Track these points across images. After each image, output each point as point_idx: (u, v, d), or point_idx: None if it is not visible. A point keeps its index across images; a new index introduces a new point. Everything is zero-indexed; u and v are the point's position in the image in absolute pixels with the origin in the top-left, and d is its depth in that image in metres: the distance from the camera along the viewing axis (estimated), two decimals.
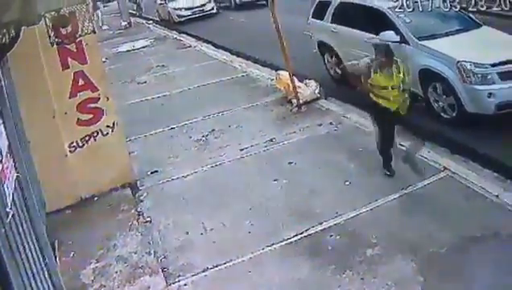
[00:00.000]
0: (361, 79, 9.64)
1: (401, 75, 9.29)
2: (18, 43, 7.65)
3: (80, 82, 10.51)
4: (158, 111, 16.09)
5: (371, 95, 9.62)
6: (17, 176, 6.62)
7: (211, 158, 12.01)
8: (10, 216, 5.71)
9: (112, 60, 25.23)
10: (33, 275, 6.31)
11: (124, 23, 39.03)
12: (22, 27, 7.67)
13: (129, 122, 13.29)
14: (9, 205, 5.75)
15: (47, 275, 6.97)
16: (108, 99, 10.80)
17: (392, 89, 9.29)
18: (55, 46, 10.12)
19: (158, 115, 15.57)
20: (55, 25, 9.96)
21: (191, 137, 13.50)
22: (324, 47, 16.43)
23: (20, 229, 6.30)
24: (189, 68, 21.52)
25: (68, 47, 10.27)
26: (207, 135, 13.39)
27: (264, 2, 30.74)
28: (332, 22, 15.74)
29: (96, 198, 10.74)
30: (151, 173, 11.68)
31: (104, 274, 8.31)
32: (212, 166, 11.63)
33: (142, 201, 10.57)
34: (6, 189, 5.78)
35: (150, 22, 40.27)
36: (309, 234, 8.57)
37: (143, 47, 28.66)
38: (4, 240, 5.37)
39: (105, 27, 38.89)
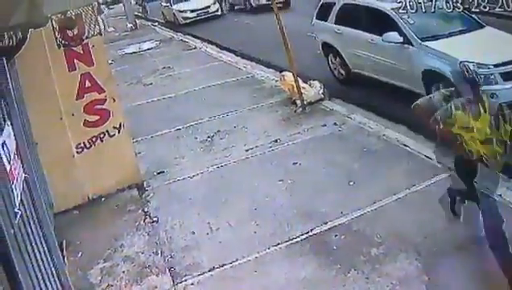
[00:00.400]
0: (436, 118, 7.15)
1: (487, 115, 7.00)
2: (26, 45, 7.75)
3: (87, 84, 10.59)
4: (164, 112, 16.16)
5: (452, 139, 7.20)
6: (25, 177, 6.68)
7: (216, 158, 12.08)
8: (18, 216, 5.77)
9: (118, 61, 25.33)
10: (41, 275, 6.37)
11: (130, 25, 39.12)
12: (30, 30, 7.76)
13: (135, 123, 13.41)
14: (17, 205, 5.81)
15: (55, 275, 7.03)
16: (114, 100, 10.88)
17: (478, 131, 6.95)
18: (61, 48, 10.22)
19: (165, 116, 15.64)
20: (61, 27, 10.06)
21: (196, 138, 13.57)
22: (327, 48, 16.47)
23: (28, 229, 6.36)
24: (194, 69, 21.60)
25: (74, 49, 10.37)
26: (212, 136, 13.47)
27: (280, 6, 30.69)
28: (335, 24, 15.78)
29: (103, 199, 10.84)
30: (158, 174, 11.77)
31: (111, 274, 8.40)
32: (217, 166, 11.70)
33: (148, 202, 10.65)
34: (14, 190, 5.84)
35: (156, 24, 40.40)
36: (314, 234, 8.61)
37: (149, 49, 28.73)
38: (13, 240, 5.43)
39: (110, 29, 38.99)
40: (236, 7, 38.97)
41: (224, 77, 19.15)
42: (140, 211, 10.24)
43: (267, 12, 28.44)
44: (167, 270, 8.32)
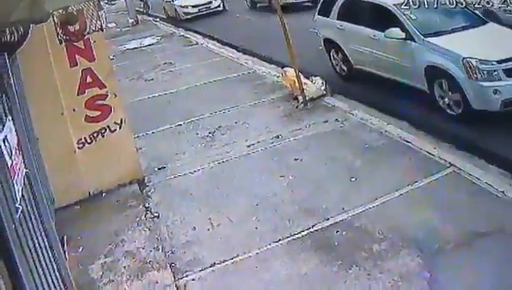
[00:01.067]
0: None
1: None
2: (27, 40, 7.74)
3: (88, 79, 10.59)
4: (165, 108, 16.17)
5: None
6: (26, 172, 6.67)
7: (218, 154, 12.08)
8: (19, 211, 5.76)
9: (119, 57, 25.34)
10: (42, 270, 6.36)
11: (131, 21, 39.13)
12: (31, 25, 7.75)
13: (136, 118, 13.35)
14: (18, 200, 5.80)
15: (56, 270, 7.01)
16: (115, 96, 10.87)
17: None
18: (63, 43, 10.21)
19: (166, 112, 15.65)
20: (63, 23, 10.04)
21: (198, 133, 13.57)
22: (330, 44, 16.41)
23: (29, 224, 6.35)
24: (196, 65, 21.59)
25: (75, 44, 10.37)
26: (214, 132, 13.46)
27: (310, 4, 30.06)
28: (337, 19, 15.73)
29: (104, 194, 10.82)
30: (159, 169, 11.77)
31: (112, 269, 8.37)
32: (218, 162, 11.69)
33: (149, 197, 10.63)
34: (15, 185, 5.82)
35: (157, 19, 40.38)
36: (315, 230, 8.60)
37: (150, 45, 28.76)
38: (14, 236, 5.42)
39: (111, 25, 38.94)
40: (258, 5, 36.25)
41: (225, 73, 19.16)
42: (141, 206, 10.22)
43: (295, 12, 27.22)
44: (168, 265, 8.29)
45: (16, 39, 7.06)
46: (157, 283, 7.93)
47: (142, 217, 9.79)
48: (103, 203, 10.57)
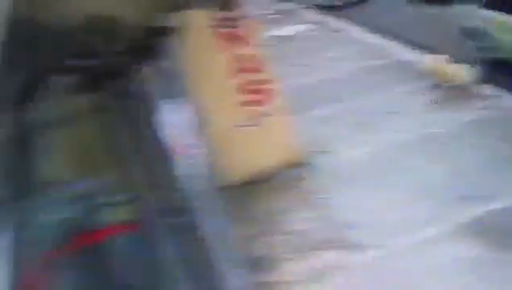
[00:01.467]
0: None
1: None
2: (182, 26, 7.98)
3: (244, 64, 10.83)
4: (317, 93, 16.22)
5: None
6: (190, 154, 6.91)
7: (372, 140, 12.10)
8: (188, 192, 5.99)
9: (269, 43, 25.55)
10: (213, 249, 6.60)
11: (277, 8, 39.35)
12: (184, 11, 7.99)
13: (292, 102, 13.50)
14: (185, 181, 6.03)
15: (225, 250, 7.26)
16: (272, 81, 11.04)
17: None
18: (217, 29, 10.46)
19: (317, 97, 15.70)
20: (218, 8, 10.30)
21: (350, 119, 13.57)
22: (474, 32, 15.93)
23: (200, 205, 6.59)
24: (343, 52, 21.51)
25: (230, 29, 10.58)
26: (366, 118, 13.45)
27: None
28: (485, 7, 15.25)
29: (265, 176, 10.93)
30: (319, 152, 11.80)
31: (277, 248, 8.65)
32: (374, 148, 11.71)
33: (312, 179, 10.81)
34: (182, 165, 6.06)
35: (303, 6, 40.46)
36: (478, 216, 8.53)
37: (298, 32, 28.81)
38: (189, 217, 5.64)
39: (257, 12, 39.27)
40: None
41: (372, 60, 19.01)
42: (304, 188, 10.46)
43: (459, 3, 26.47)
44: (333, 247, 8.45)
45: (170, 25, 7.28)
46: (322, 263, 8.12)
47: (305, 199, 10.00)
48: (266, 184, 10.78)
